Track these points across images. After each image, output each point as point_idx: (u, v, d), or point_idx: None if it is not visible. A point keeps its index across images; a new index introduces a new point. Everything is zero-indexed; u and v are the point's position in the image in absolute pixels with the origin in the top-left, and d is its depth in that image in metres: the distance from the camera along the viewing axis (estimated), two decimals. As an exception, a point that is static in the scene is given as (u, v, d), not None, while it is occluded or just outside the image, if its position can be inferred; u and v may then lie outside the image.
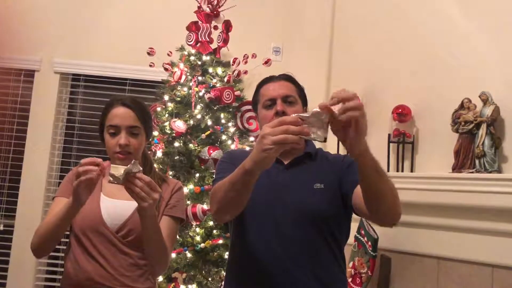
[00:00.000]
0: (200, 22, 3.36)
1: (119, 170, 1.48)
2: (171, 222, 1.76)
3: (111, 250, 1.68)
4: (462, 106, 2.42)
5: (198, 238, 2.97)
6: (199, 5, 3.38)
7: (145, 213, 1.55)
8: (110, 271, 1.66)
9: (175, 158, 3.09)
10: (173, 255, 2.91)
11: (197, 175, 3.07)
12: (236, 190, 1.38)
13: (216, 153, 2.97)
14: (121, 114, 1.73)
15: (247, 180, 1.34)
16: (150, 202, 1.51)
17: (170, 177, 3.03)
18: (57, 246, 1.77)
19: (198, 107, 3.18)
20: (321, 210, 1.58)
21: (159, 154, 3.12)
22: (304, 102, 1.77)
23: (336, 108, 1.19)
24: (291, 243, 1.57)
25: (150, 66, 3.37)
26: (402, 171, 2.75)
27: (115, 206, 1.72)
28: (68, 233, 1.75)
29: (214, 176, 1.73)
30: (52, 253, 3.59)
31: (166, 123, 3.14)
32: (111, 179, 1.49)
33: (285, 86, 1.72)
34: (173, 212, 1.78)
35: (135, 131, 1.74)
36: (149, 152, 3.15)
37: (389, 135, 2.79)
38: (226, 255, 2.92)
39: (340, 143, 2.98)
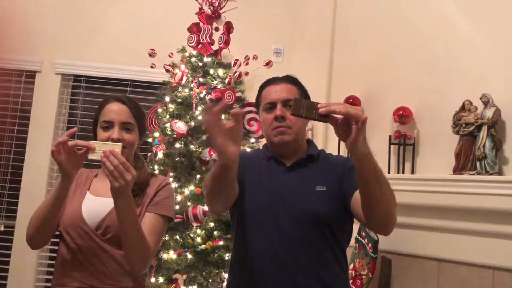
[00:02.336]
0: (201, 23, 3.36)
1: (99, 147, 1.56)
2: (154, 218, 1.71)
3: (92, 247, 1.65)
4: (463, 108, 2.42)
5: (198, 240, 2.97)
6: (200, 6, 3.39)
7: (117, 194, 1.53)
8: (91, 269, 1.64)
9: (176, 159, 3.09)
10: (174, 256, 2.91)
11: (198, 176, 3.07)
12: (217, 182, 1.44)
13: (217, 155, 2.96)
14: (115, 110, 1.73)
15: (223, 174, 1.40)
16: (122, 184, 1.49)
17: (170, 178, 3.04)
18: (57, 247, 1.76)
19: (199, 108, 3.18)
20: (323, 212, 1.58)
21: (160, 155, 3.12)
22: None
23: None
24: (293, 244, 1.57)
25: (151, 67, 3.38)
26: (403, 173, 2.75)
27: (96, 203, 1.70)
28: (58, 232, 1.74)
29: None
30: (52, 254, 3.61)
31: (167, 124, 3.14)
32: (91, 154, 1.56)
33: (287, 89, 1.69)
34: (157, 210, 1.72)
35: (129, 127, 1.73)
36: (149, 153, 3.18)
37: (390, 136, 2.79)
38: (227, 256, 2.92)
39: (340, 143, 2.98)
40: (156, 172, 2.98)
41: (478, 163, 2.30)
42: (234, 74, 3.33)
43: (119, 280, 1.66)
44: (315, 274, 1.57)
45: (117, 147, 1.56)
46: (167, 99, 3.26)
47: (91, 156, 1.55)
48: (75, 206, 1.70)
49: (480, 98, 2.34)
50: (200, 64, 3.30)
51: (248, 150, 3.00)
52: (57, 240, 1.73)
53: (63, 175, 1.57)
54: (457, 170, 2.39)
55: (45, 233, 1.68)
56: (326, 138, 3.31)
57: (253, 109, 3.06)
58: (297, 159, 1.69)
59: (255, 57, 3.38)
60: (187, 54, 3.35)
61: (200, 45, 3.33)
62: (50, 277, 3.61)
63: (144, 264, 1.68)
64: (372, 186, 1.34)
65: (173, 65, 3.34)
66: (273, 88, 1.71)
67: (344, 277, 1.66)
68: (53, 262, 3.55)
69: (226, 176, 1.41)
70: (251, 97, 3.06)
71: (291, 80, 1.75)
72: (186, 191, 3.00)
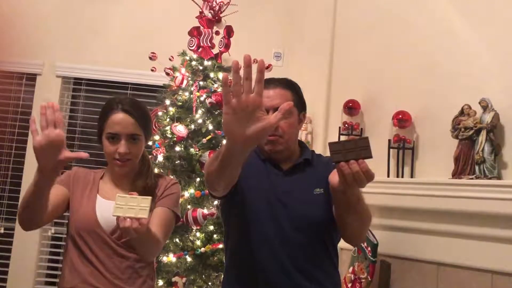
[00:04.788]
0: (201, 27, 3.38)
1: (124, 208, 1.44)
2: (162, 211, 1.73)
3: (107, 252, 1.66)
4: (462, 112, 2.43)
5: (198, 243, 2.97)
6: (201, 10, 3.40)
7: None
8: (105, 274, 1.65)
9: (176, 162, 3.10)
10: (173, 259, 2.92)
11: (198, 179, 3.07)
12: (220, 161, 1.32)
13: (216, 158, 2.97)
14: (121, 122, 1.70)
15: (229, 158, 1.29)
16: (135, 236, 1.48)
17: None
18: (58, 250, 1.76)
19: (199, 111, 3.19)
20: (321, 215, 1.60)
21: (160, 158, 3.12)
22: (302, 109, 1.74)
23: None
24: (293, 246, 1.59)
25: (152, 70, 3.38)
26: (402, 176, 2.76)
27: (109, 207, 1.65)
28: (65, 235, 1.74)
29: None
30: (52, 257, 3.61)
31: (167, 128, 3.15)
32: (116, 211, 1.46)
33: (281, 96, 1.65)
34: (165, 203, 1.75)
35: (135, 137, 1.73)
36: (150, 156, 3.19)
37: (389, 140, 2.80)
38: (226, 259, 2.93)
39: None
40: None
41: (477, 167, 2.31)
42: (234, 78, 3.33)
43: (132, 284, 1.68)
44: (311, 274, 1.59)
45: (146, 202, 1.46)
46: (168, 102, 3.27)
47: (115, 213, 1.44)
48: (89, 211, 1.69)
49: (479, 103, 2.35)
50: (201, 67, 3.31)
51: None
52: (60, 243, 1.72)
53: (39, 171, 1.43)
54: (456, 174, 2.40)
55: (33, 215, 1.58)
56: (325, 140, 3.32)
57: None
58: (293, 164, 1.69)
59: (255, 61, 3.38)
60: (187, 58, 3.35)
61: (200, 49, 3.35)
62: (50, 279, 3.64)
63: (154, 256, 1.78)
64: (345, 211, 1.48)
65: (174, 69, 3.34)
66: (266, 93, 1.65)
67: (336, 276, 1.69)
68: (53, 264, 3.60)
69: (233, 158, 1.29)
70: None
71: (285, 85, 1.70)
72: (186, 194, 3.01)
